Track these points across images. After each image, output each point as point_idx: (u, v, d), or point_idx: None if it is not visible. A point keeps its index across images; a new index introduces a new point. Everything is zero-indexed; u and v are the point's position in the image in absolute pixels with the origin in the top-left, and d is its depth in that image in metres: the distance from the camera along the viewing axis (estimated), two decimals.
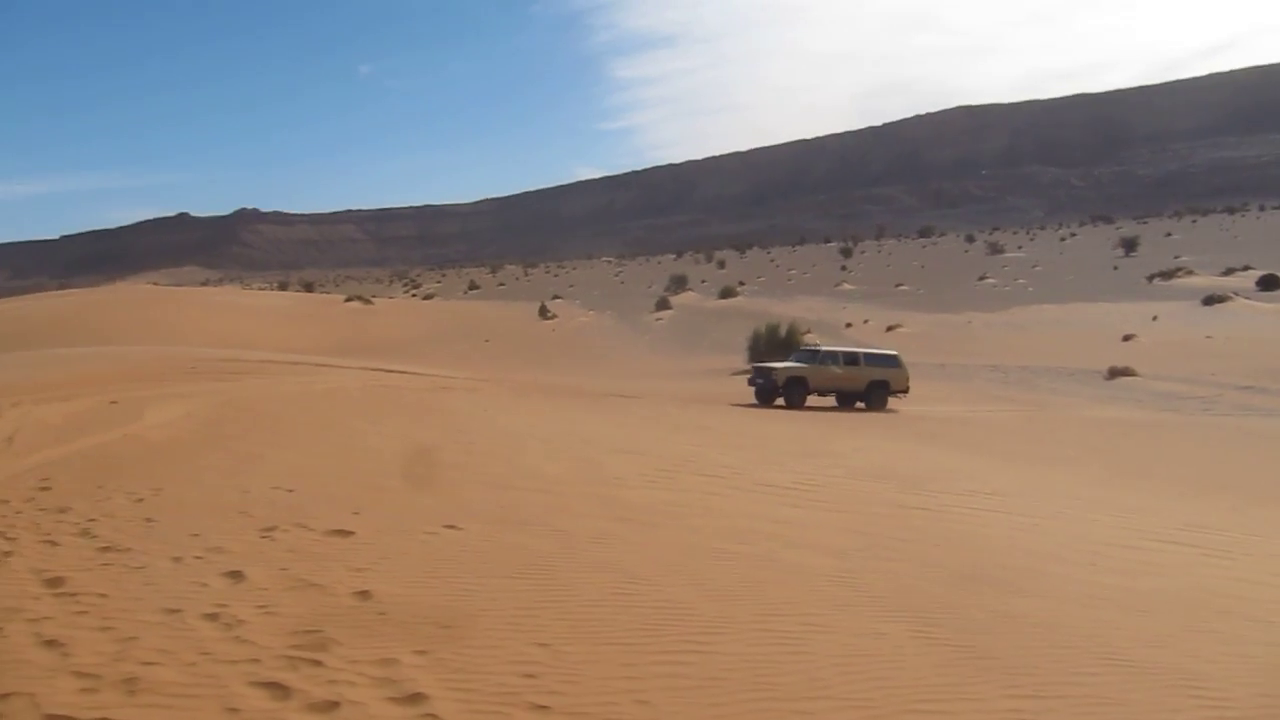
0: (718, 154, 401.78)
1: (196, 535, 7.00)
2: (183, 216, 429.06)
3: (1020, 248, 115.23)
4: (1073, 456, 16.86)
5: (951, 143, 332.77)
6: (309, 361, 32.63)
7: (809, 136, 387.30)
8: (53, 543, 6.91)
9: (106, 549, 6.68)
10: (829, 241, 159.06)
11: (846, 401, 28.92)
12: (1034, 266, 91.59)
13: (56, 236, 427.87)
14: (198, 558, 6.41)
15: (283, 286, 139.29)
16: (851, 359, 29.16)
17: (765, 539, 7.79)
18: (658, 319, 64.02)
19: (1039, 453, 16.87)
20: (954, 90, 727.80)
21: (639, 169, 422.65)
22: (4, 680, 4.33)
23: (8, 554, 6.61)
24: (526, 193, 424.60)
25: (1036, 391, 32.77)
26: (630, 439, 15.11)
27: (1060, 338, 50.43)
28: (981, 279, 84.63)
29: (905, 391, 29.14)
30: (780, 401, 27.70)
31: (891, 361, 29.81)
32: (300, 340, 49.68)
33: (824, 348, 30.39)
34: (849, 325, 59.65)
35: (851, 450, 15.03)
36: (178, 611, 5.27)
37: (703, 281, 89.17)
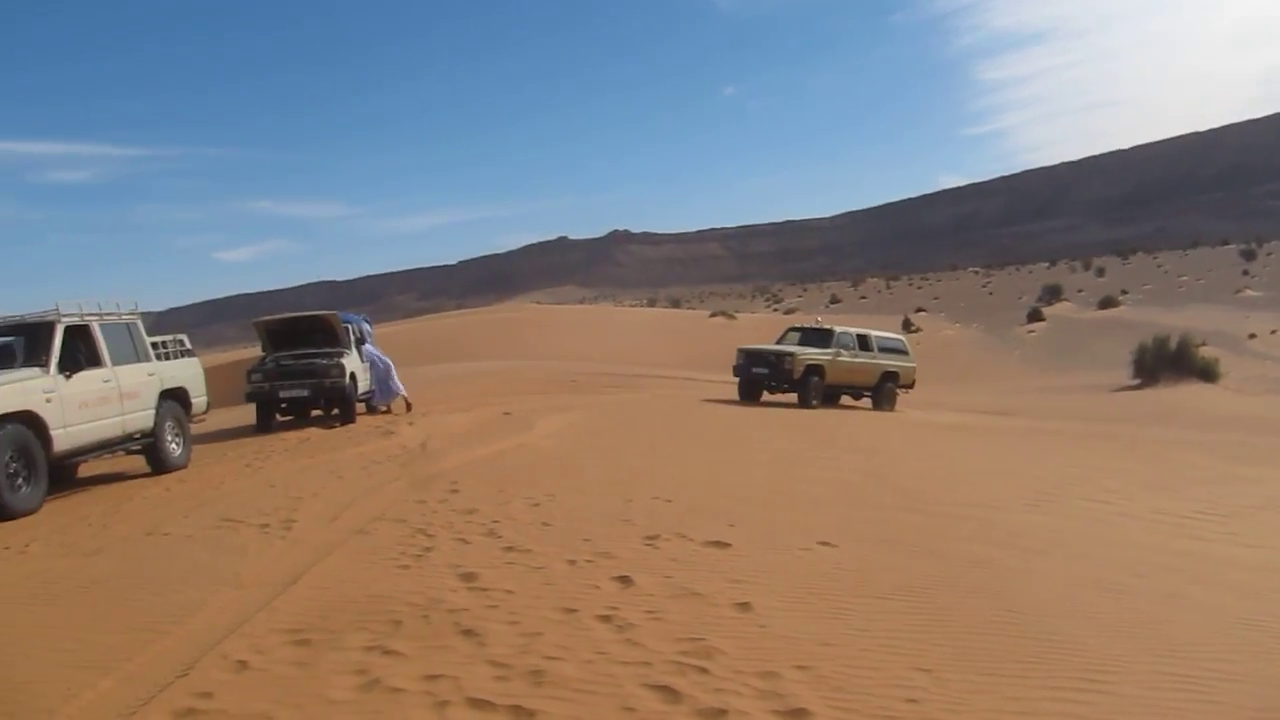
0: (1096, 153, 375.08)
1: (587, 540, 7.48)
2: (562, 240, 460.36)
3: None
4: None
5: None
6: (678, 375, 33.91)
7: (1202, 129, 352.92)
8: (464, 541, 7.64)
9: (510, 549, 7.30)
10: (1227, 244, 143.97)
11: (829, 399, 23.46)
12: None
13: (455, 262, 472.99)
14: (589, 561, 6.85)
15: (651, 303, 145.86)
16: (864, 343, 23.85)
17: (1163, 572, 7.19)
18: (1029, 331, 60.81)
19: None
20: None
21: (1008, 174, 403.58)
22: (433, 663, 4.84)
23: (429, 549, 7.39)
24: (887, 204, 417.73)
25: None
26: (1004, 459, 14.47)
27: None
28: None
29: (910, 386, 24.85)
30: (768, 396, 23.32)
31: (900, 348, 25.12)
32: (669, 354, 51.65)
33: (837, 327, 24.24)
34: (1252, 336, 53.79)
35: (1266, 477, 13.52)
36: (575, 611, 5.65)
37: (1079, 291, 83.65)
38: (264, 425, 18.55)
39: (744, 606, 5.75)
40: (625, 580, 6.31)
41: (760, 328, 69.63)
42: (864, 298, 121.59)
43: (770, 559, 6.95)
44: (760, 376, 22.94)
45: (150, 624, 5.84)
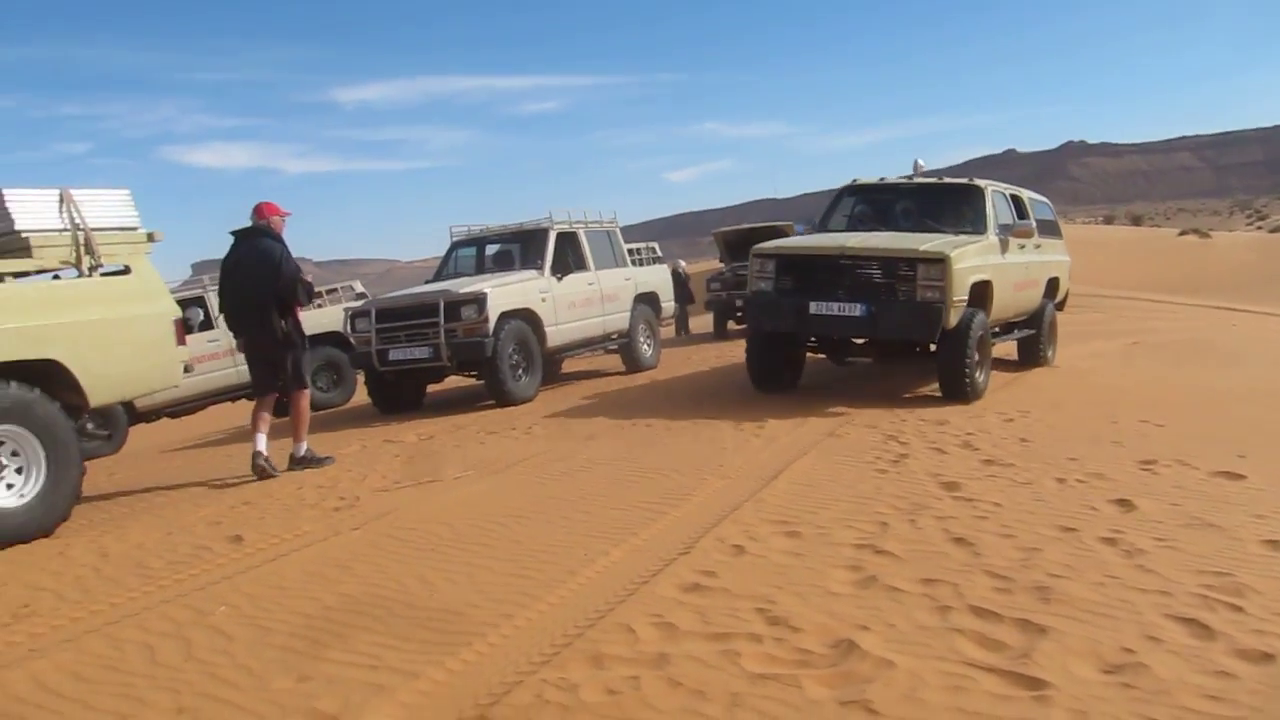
0: None
1: (1074, 459, 7.01)
2: (1009, 153, 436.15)
3: None
4: None
5: None
6: (1141, 298, 31.24)
7: None
8: (940, 450, 7.46)
9: (989, 462, 7.01)
10: None
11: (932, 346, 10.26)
12: None
13: (893, 179, 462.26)
14: (1080, 481, 6.41)
15: (1109, 221, 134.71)
16: (1019, 208, 11.73)
17: None
18: None
19: None
20: None
21: None
22: (928, 567, 4.74)
23: (904, 456, 7.29)
24: None
25: None
26: None
27: None
28: None
29: (1062, 305, 13.63)
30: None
31: (1052, 218, 13.80)
32: (1127, 276, 47.57)
33: (980, 181, 11.29)
34: None
35: None
36: (1073, 530, 5.29)
37: None
38: (720, 332, 19.38)
39: (1274, 545, 5.09)
40: (1125, 504, 5.82)
41: (1239, 249, 61.95)
42: None
43: None
44: (837, 324, 9.78)
45: (649, 504, 6.25)
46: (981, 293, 9.93)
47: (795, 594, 4.46)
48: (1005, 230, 10.75)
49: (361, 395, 13.84)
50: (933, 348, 9.98)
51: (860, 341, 10.49)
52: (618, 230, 14.20)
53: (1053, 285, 12.74)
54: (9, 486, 6.55)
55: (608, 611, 4.40)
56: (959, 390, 9.64)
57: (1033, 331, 12.32)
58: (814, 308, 9.64)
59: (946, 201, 11.11)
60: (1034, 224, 11.29)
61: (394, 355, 11.49)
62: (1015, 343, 12.37)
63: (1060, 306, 13.46)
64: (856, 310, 9.50)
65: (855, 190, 11.90)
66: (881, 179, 11.79)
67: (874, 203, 11.65)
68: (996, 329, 11.17)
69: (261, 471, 8.22)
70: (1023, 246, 11.15)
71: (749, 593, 4.51)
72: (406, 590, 4.89)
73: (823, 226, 11.57)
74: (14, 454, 6.56)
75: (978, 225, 10.48)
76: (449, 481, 7.49)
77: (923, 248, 9.50)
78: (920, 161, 11.87)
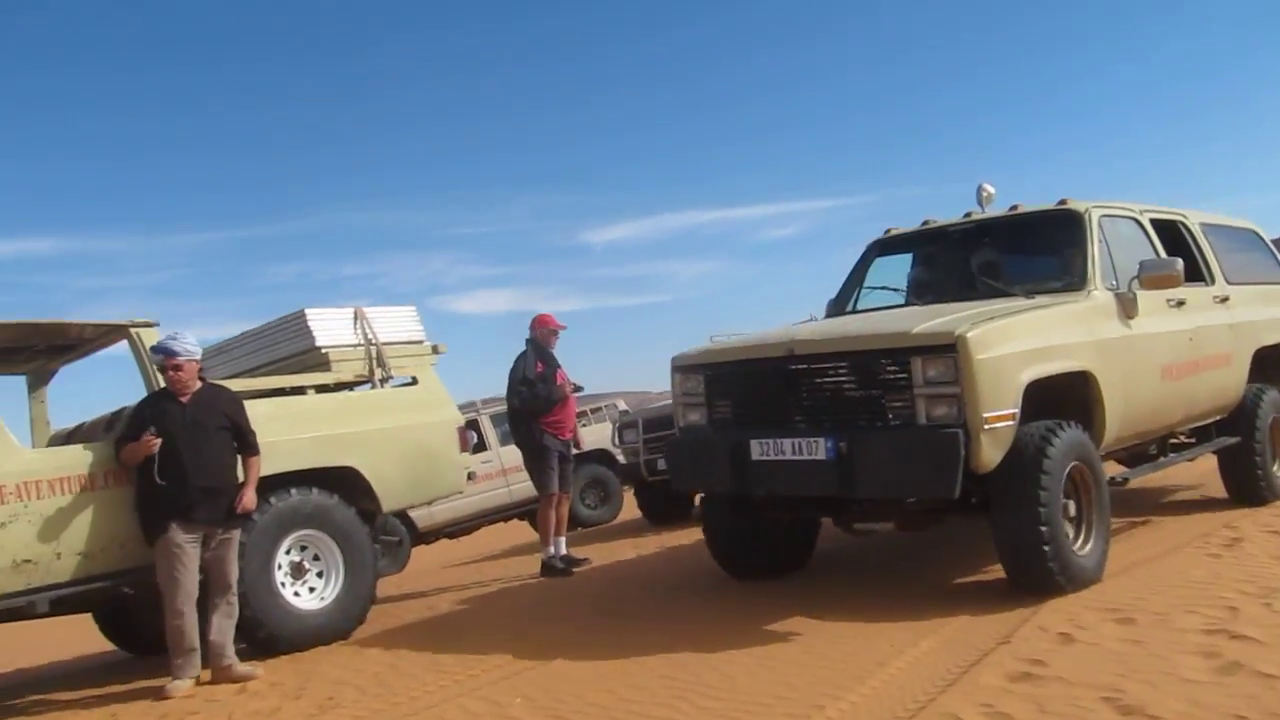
0: None
1: None
2: None
3: None
4: None
5: None
6: None
7: None
8: (1278, 533, 6.62)
9: None
10: None
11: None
12: None
13: None
14: None
15: None
16: (1173, 239, 7.33)
17: None
18: None
19: None
20: None
21: None
22: None
23: (1237, 540, 6.46)
24: None
25: None
26: None
27: None
28: None
29: None
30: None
31: (1261, 248, 8.45)
32: None
33: (1082, 203, 6.67)
34: None
35: None
36: None
37: None
38: None
39: None
40: None
41: None
42: None
43: None
44: (792, 475, 5.66)
45: (952, 594, 5.82)
46: (1076, 393, 5.88)
47: (1144, 682, 3.92)
48: (1131, 280, 6.42)
49: (629, 510, 13.86)
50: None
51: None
52: None
53: (1269, 360, 7.86)
54: (310, 590, 6.80)
55: (928, 702, 4.00)
56: (1033, 576, 5.46)
57: (1235, 439, 7.44)
58: (756, 449, 5.77)
59: (1030, 244, 7.26)
60: (1180, 265, 6.43)
61: (662, 465, 11.46)
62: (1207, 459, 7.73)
63: None
64: (819, 450, 5.49)
65: (892, 245, 7.87)
66: (925, 222, 7.63)
67: (934, 263, 7.60)
68: (1154, 447, 7.22)
69: (550, 570, 8.59)
70: (1180, 304, 6.83)
71: (1089, 681, 4.00)
72: (704, 682, 4.65)
73: (839, 308, 7.69)
74: (315, 558, 6.83)
75: (1072, 276, 6.43)
76: (737, 580, 7.21)
77: (917, 329, 5.45)
78: (988, 187, 7.30)
